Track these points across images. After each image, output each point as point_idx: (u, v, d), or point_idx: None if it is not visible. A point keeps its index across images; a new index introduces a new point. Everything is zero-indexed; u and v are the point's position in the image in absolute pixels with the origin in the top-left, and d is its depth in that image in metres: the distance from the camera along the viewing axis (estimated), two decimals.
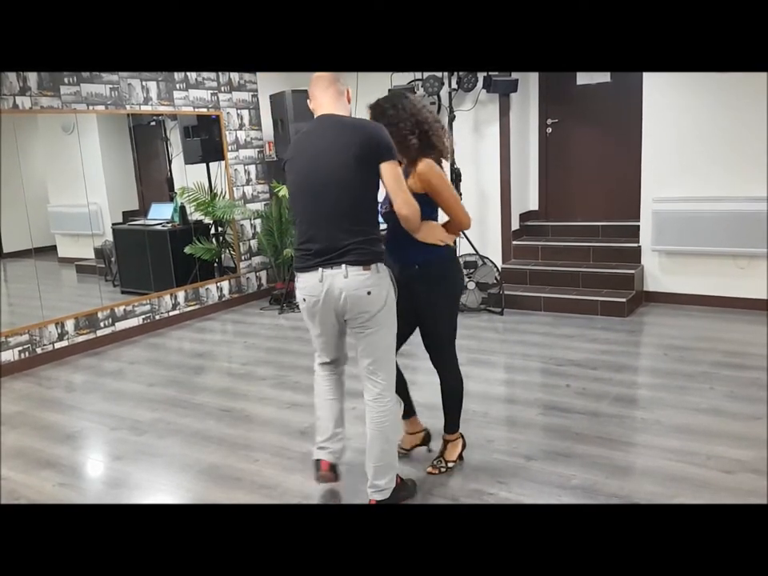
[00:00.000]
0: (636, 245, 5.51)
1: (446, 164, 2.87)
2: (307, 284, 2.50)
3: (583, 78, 5.95)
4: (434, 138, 2.68)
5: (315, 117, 2.57)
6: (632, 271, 5.34)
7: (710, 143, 5.08)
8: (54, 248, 5.45)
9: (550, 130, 6.21)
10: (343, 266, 2.42)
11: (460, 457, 3.03)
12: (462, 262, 5.55)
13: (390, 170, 2.43)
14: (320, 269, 2.45)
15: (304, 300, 2.54)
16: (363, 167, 2.41)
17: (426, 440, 3.16)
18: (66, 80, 4.98)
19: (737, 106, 4.93)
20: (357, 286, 2.43)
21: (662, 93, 5.19)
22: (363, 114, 6.41)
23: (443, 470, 2.96)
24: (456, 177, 5.57)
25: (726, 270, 5.16)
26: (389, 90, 5.89)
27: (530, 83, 6.17)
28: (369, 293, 2.45)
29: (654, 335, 4.80)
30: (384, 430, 2.56)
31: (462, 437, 3.06)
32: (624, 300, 5.16)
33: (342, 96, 2.56)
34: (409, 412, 3.08)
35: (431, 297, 2.78)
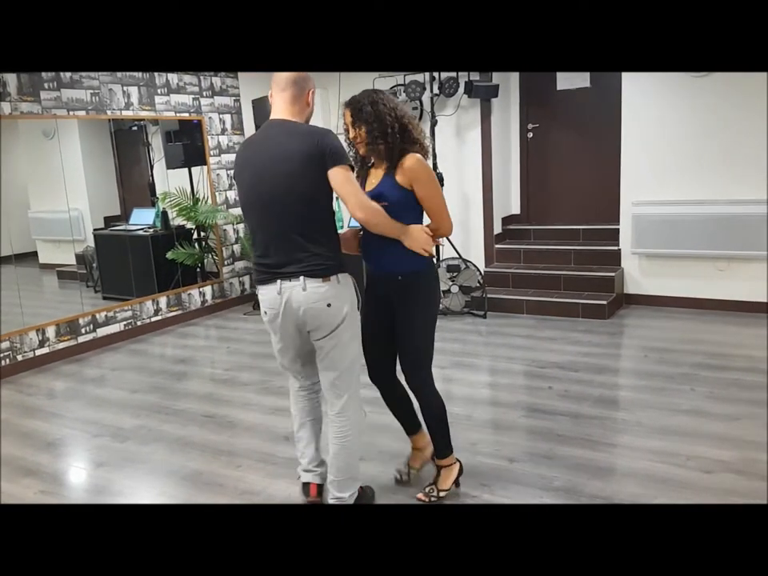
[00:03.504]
0: (616, 248, 5.57)
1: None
2: (266, 297, 2.45)
3: (563, 83, 6.01)
4: (414, 133, 2.53)
5: (266, 121, 2.47)
6: (612, 274, 5.40)
7: (687, 147, 5.15)
8: (34, 254, 5.40)
9: (531, 134, 6.26)
10: (301, 278, 2.36)
11: (456, 483, 2.81)
12: (445, 266, 5.59)
13: (338, 175, 2.32)
14: (278, 281, 2.39)
15: (265, 313, 2.49)
16: (310, 176, 2.33)
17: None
18: (46, 85, 4.95)
19: (714, 109, 5.01)
20: (316, 298, 2.37)
21: (641, 97, 5.25)
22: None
23: (434, 499, 2.73)
24: (439, 181, 5.59)
25: (706, 272, 5.23)
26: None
27: (510, 88, 6.21)
28: (329, 305, 2.39)
29: (634, 337, 4.85)
30: (347, 444, 2.54)
31: (459, 462, 2.83)
32: (605, 302, 5.21)
33: (298, 100, 2.43)
34: (412, 428, 2.91)
35: (410, 311, 2.60)
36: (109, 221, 5.88)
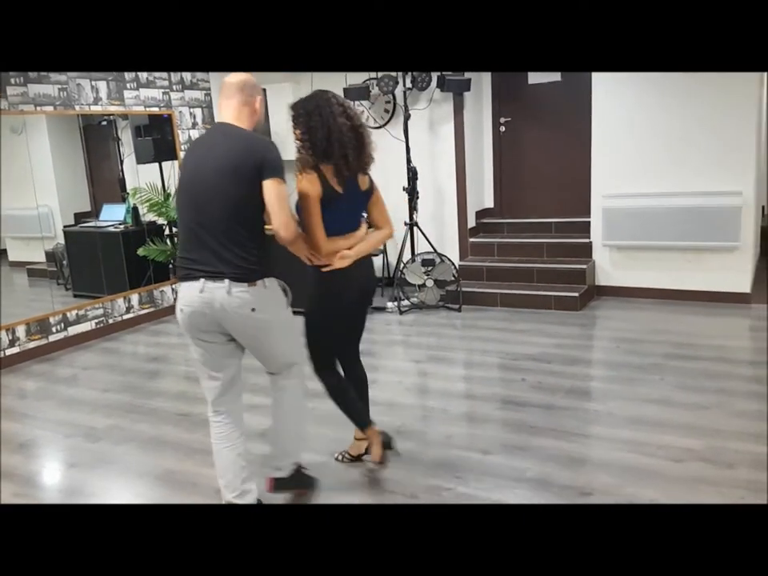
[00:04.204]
0: (587, 240, 5.63)
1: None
2: (187, 293, 2.42)
3: (534, 78, 6.04)
4: (337, 149, 2.59)
5: (213, 124, 2.55)
6: (584, 266, 5.46)
7: (657, 140, 5.21)
8: (4, 252, 5.31)
9: (503, 128, 6.29)
10: (226, 281, 2.36)
11: (388, 447, 3.01)
12: (420, 260, 5.61)
13: (272, 189, 2.37)
14: (202, 279, 2.38)
15: (182, 310, 2.45)
16: (243, 182, 2.36)
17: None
18: (12, 80, 4.85)
19: (683, 103, 5.08)
20: (240, 303, 2.38)
21: (610, 91, 5.31)
22: None
23: (340, 459, 3.11)
24: (413, 175, 5.61)
25: (674, 264, 5.31)
26: (345, 89, 5.89)
27: (482, 82, 6.23)
28: (253, 310, 2.40)
29: (605, 328, 4.91)
30: (293, 417, 2.71)
31: (378, 434, 2.97)
32: (577, 294, 5.27)
33: (245, 106, 2.50)
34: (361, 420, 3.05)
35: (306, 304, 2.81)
36: (79, 217, 5.79)
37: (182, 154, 6.20)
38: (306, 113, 2.60)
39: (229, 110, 2.49)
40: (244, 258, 2.38)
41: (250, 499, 2.61)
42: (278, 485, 2.72)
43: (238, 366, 2.61)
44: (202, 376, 2.60)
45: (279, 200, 2.38)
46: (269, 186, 2.37)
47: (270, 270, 2.48)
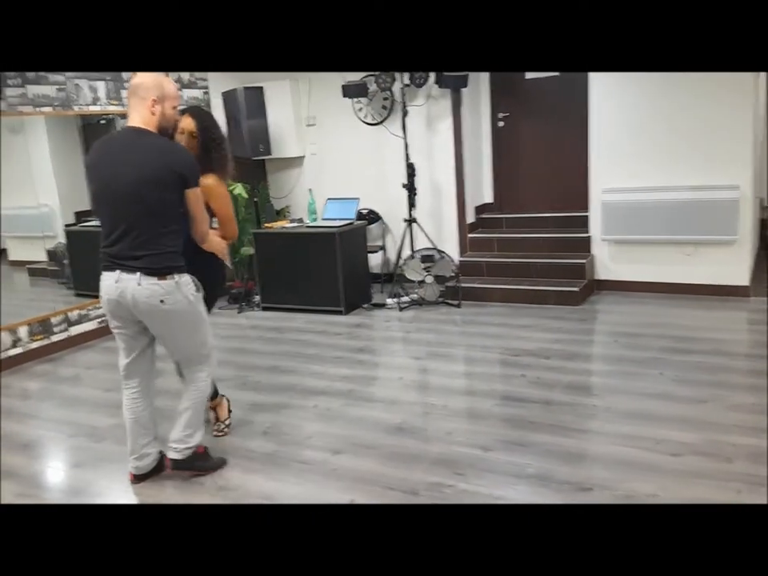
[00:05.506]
0: (586, 235, 5.64)
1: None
2: (105, 283, 2.73)
3: (532, 72, 6.04)
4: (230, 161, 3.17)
5: (124, 127, 2.74)
6: (583, 261, 5.47)
7: (655, 133, 5.22)
8: (4, 251, 5.33)
9: (501, 123, 6.30)
10: (138, 273, 2.64)
11: (229, 411, 3.55)
12: (419, 256, 5.63)
13: (196, 197, 2.72)
14: (117, 271, 2.66)
15: (101, 298, 2.77)
16: (163, 191, 2.62)
17: None
18: (10, 82, 4.86)
19: (679, 96, 5.08)
20: (149, 294, 2.65)
21: (608, 85, 5.31)
22: (318, 110, 6.28)
23: (225, 429, 3.49)
24: (411, 172, 5.62)
25: (673, 257, 5.33)
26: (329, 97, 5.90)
27: (480, 78, 6.24)
28: (162, 301, 2.67)
29: (605, 323, 4.93)
30: (195, 407, 2.97)
31: (225, 397, 3.56)
32: (576, 289, 5.29)
33: (140, 107, 2.66)
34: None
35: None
36: (80, 216, 5.81)
37: None
38: (214, 126, 3.09)
39: (131, 112, 2.69)
40: (156, 255, 2.65)
41: (147, 461, 3.02)
42: (174, 465, 3.01)
43: (149, 350, 2.97)
44: (119, 352, 2.95)
45: (199, 204, 2.75)
46: (193, 194, 2.71)
47: (183, 266, 2.75)
